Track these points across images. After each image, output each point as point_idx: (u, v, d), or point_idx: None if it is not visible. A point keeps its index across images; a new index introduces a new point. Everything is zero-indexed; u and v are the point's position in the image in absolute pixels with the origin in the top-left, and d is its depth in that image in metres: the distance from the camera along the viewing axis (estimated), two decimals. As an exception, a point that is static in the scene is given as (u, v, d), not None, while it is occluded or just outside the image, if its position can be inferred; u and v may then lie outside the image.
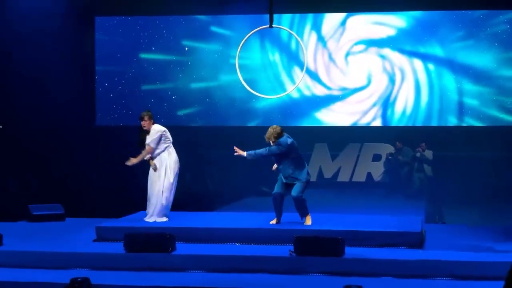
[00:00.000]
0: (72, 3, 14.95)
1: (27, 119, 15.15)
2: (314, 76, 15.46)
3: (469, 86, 15.06)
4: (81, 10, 15.20)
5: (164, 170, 11.23)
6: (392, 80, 15.28)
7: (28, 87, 15.09)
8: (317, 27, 15.49)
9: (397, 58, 15.22)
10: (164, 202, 11.14)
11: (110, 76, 15.90)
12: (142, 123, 11.27)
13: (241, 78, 11.22)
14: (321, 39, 15.44)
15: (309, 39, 15.42)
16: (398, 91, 15.31)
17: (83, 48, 15.57)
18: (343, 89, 15.42)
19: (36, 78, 14.99)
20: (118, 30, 15.87)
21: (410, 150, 15.65)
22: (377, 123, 15.36)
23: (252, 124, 15.76)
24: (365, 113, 15.37)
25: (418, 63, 15.17)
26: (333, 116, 15.41)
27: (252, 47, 15.26)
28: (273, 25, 10.87)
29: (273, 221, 10.77)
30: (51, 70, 14.92)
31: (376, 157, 15.68)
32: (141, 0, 15.29)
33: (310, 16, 15.38)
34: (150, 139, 11.23)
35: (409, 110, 15.33)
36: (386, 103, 15.27)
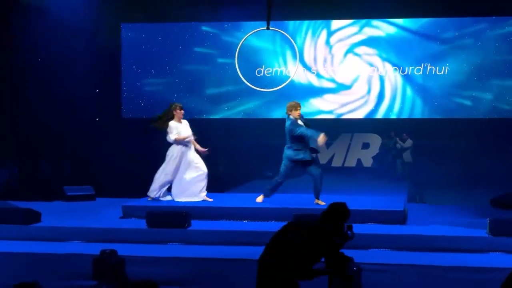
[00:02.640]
0: (101, 12, 14.93)
1: (63, 112, 15.18)
2: (309, 68, 15.48)
3: (449, 86, 15.08)
4: (109, 18, 15.19)
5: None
6: (377, 81, 15.31)
7: (65, 85, 15.13)
8: (327, 24, 15.50)
9: (381, 64, 15.23)
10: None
11: (134, 75, 15.93)
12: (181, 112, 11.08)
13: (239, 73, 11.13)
14: (328, 32, 15.45)
15: (315, 33, 15.44)
16: (383, 90, 15.33)
17: (110, 52, 15.57)
18: (336, 82, 15.43)
19: (72, 77, 15.04)
20: (141, 35, 15.88)
21: (399, 140, 15.64)
22: (361, 115, 15.38)
23: (256, 116, 15.78)
24: (352, 105, 15.41)
25: (400, 70, 15.20)
26: (325, 105, 15.41)
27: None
28: (269, 28, 10.76)
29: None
30: (83, 70, 14.95)
31: (365, 146, 15.68)
32: (161, 9, 15.27)
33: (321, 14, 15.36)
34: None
35: (393, 106, 15.33)
36: (373, 99, 15.29)
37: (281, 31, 10.85)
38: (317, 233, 5.68)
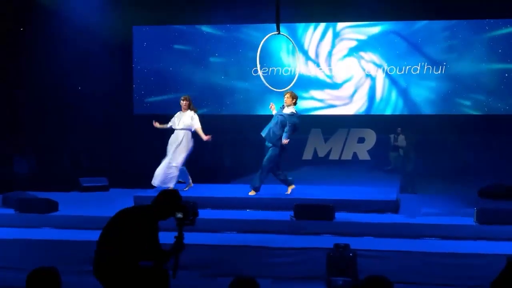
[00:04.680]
0: (114, 15, 14.92)
1: (79, 109, 15.21)
2: (316, 63, 15.52)
3: (437, 84, 15.07)
4: (121, 21, 15.19)
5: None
6: (371, 81, 15.32)
7: (82, 84, 15.17)
8: (333, 25, 15.51)
9: (373, 67, 15.25)
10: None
11: (145, 75, 15.94)
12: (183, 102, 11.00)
13: (261, 74, 11.07)
14: (334, 34, 15.47)
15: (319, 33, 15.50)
16: (375, 89, 15.35)
17: (123, 53, 15.59)
18: (332, 79, 15.47)
19: (89, 77, 15.08)
20: (152, 37, 15.90)
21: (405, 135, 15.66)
22: (355, 111, 15.42)
23: (261, 112, 15.80)
24: (346, 101, 15.46)
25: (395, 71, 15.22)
26: (324, 97, 15.44)
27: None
28: (280, 32, 10.66)
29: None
30: (99, 70, 14.97)
31: (360, 140, 15.66)
32: (169, 12, 15.26)
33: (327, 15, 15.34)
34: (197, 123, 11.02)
35: (386, 103, 15.34)
36: (366, 96, 15.31)
37: (288, 37, 10.87)
38: (143, 217, 5.71)
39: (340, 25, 15.46)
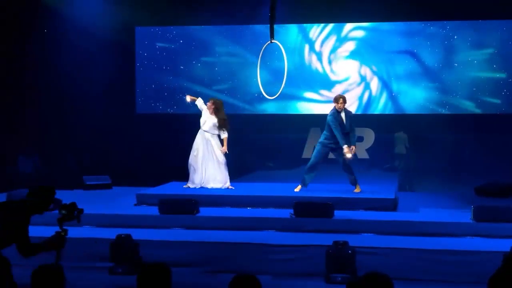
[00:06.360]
0: (116, 16, 14.90)
1: (83, 109, 15.21)
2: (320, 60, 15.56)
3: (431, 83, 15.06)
4: (125, 22, 15.18)
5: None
6: (366, 82, 15.35)
7: (85, 83, 15.16)
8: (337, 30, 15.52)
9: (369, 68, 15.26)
10: None
11: (147, 75, 15.95)
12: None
13: (259, 81, 11.08)
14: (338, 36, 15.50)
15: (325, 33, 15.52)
16: (370, 88, 15.35)
17: (124, 53, 15.60)
18: (329, 78, 15.54)
19: (93, 77, 15.08)
20: (154, 38, 15.90)
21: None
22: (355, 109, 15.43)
23: (260, 112, 15.78)
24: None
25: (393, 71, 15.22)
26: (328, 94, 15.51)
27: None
28: (272, 40, 10.73)
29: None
30: (102, 70, 14.97)
31: (359, 139, 15.65)
32: (171, 13, 15.25)
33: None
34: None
35: (381, 101, 15.34)
36: (362, 95, 15.32)
37: (278, 43, 10.85)
38: (15, 211, 5.72)
39: (343, 26, 15.46)
